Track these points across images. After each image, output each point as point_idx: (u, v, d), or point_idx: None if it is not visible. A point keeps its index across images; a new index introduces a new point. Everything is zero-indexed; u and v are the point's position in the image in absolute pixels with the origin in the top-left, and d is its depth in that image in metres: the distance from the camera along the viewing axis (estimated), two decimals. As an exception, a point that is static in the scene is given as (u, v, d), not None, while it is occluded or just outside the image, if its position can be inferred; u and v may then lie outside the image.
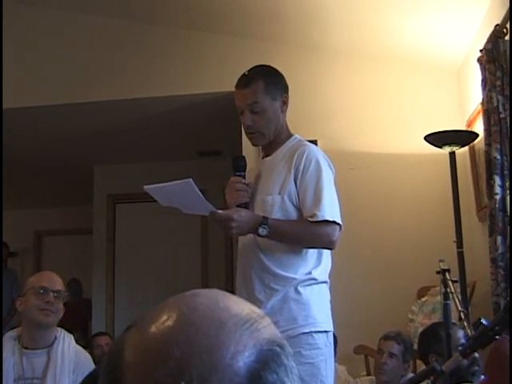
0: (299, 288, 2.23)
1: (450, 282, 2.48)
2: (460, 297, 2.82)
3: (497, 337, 1.76)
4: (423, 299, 3.87)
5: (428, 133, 3.65)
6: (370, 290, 4.20)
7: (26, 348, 2.65)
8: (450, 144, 3.63)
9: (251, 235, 2.25)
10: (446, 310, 2.48)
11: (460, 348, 1.92)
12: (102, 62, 4.81)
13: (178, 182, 2.14)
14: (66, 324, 2.86)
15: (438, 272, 2.51)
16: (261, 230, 2.18)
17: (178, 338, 0.58)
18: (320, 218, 2.19)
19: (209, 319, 0.59)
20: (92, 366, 2.71)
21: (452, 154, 3.66)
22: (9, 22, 4.64)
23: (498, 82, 3.18)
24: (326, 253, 2.31)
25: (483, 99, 3.40)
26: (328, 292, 2.32)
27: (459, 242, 3.54)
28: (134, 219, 6.54)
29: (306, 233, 2.23)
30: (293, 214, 2.28)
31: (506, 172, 3.17)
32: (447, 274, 2.49)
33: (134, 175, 6.04)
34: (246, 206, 2.30)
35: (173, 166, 5.79)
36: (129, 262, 6.44)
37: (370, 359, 3.83)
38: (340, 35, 4.36)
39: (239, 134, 3.60)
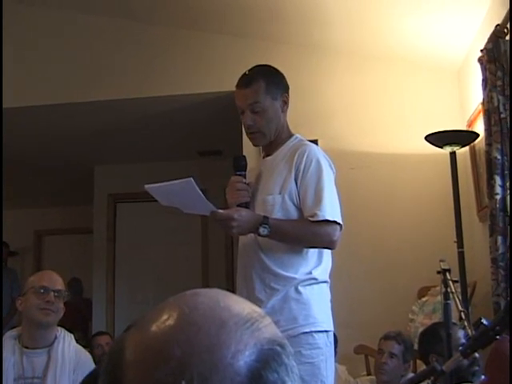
0: (300, 288, 2.23)
1: (450, 282, 2.48)
2: (460, 297, 2.81)
3: (497, 337, 1.76)
4: (424, 299, 3.87)
5: (428, 133, 3.65)
6: (370, 289, 4.20)
7: (27, 347, 2.65)
8: (450, 144, 3.63)
9: (252, 235, 2.25)
10: (446, 309, 2.48)
11: (460, 348, 1.92)
12: (102, 62, 4.81)
13: (179, 181, 2.14)
14: (66, 323, 2.86)
15: (438, 272, 2.51)
16: (261, 230, 2.18)
17: (178, 338, 0.58)
18: (320, 218, 2.19)
19: (209, 318, 0.59)
20: (92, 366, 2.71)
21: (452, 154, 3.66)
22: (9, 22, 4.64)
23: (499, 82, 3.18)
24: (327, 252, 2.31)
25: (484, 99, 3.40)
26: (328, 292, 2.32)
27: (460, 242, 3.54)
28: (134, 219, 6.54)
29: (307, 232, 2.23)
30: (293, 213, 2.28)
31: (506, 172, 3.17)
32: (448, 274, 2.49)
33: (135, 175, 6.04)
34: (246, 205, 2.30)
35: (173, 166, 5.78)
36: (129, 261, 6.44)
37: (371, 359, 3.83)
38: (340, 35, 4.36)
39: (240, 134, 3.59)
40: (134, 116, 5.19)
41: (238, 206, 2.29)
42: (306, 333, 2.19)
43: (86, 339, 5.38)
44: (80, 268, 7.17)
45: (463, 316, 2.49)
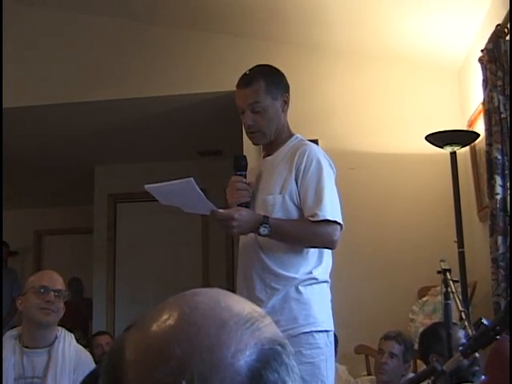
0: (300, 287, 2.23)
1: (450, 282, 2.48)
2: (461, 297, 2.81)
3: (497, 337, 1.76)
4: (424, 299, 3.87)
5: (429, 133, 3.65)
6: (370, 289, 4.20)
7: (27, 347, 2.65)
8: (450, 144, 3.63)
9: (252, 235, 2.25)
10: (446, 309, 2.48)
11: (461, 348, 1.92)
12: (102, 62, 4.81)
13: (179, 181, 2.14)
14: (66, 323, 2.86)
15: (438, 272, 2.51)
16: (262, 230, 2.18)
17: (179, 337, 0.58)
18: (321, 218, 2.19)
19: (210, 318, 0.59)
20: (92, 366, 2.70)
21: (453, 154, 3.66)
22: (9, 22, 4.64)
23: (499, 82, 3.18)
24: (327, 252, 2.31)
25: (484, 99, 3.40)
26: (329, 291, 2.32)
27: (460, 242, 3.54)
28: (134, 219, 6.54)
29: (307, 232, 2.23)
30: (294, 213, 2.28)
31: (506, 172, 3.17)
32: (448, 274, 2.49)
33: (135, 175, 6.04)
34: (246, 205, 2.30)
35: (173, 166, 5.78)
36: (129, 261, 6.44)
37: (371, 359, 3.83)
38: (341, 35, 4.36)
39: (240, 134, 3.59)
40: (134, 116, 5.19)
41: (238, 205, 2.28)
42: (307, 333, 2.19)
43: (86, 339, 5.38)
44: (80, 268, 7.17)
45: (463, 316, 2.49)
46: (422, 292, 3.95)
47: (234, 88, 2.40)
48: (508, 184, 3.14)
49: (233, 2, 4.26)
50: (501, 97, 3.16)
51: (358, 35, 4.32)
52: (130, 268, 6.43)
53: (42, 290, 2.63)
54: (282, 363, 0.59)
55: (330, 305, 2.31)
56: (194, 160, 6.14)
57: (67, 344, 2.68)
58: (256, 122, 2.33)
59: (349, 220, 2.37)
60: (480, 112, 3.68)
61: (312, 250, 2.27)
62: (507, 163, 3.16)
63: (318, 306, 2.24)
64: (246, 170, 2.38)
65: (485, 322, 1.78)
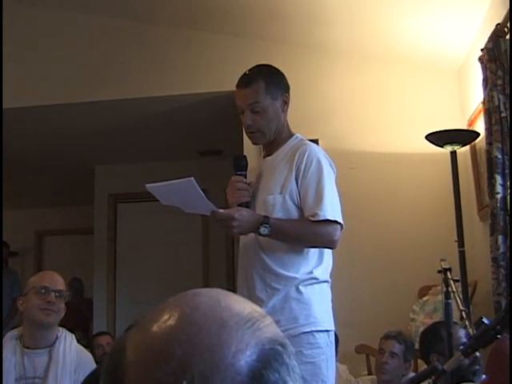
0: (300, 287, 2.23)
1: (451, 281, 2.47)
2: (461, 296, 2.81)
3: (498, 336, 1.76)
4: (424, 298, 3.87)
5: (429, 132, 3.65)
6: (371, 289, 4.20)
7: (28, 348, 2.65)
8: (451, 143, 3.63)
9: (252, 234, 2.25)
10: (447, 309, 2.48)
11: (461, 347, 1.92)
12: (102, 62, 4.81)
13: (180, 180, 2.14)
14: (67, 323, 2.86)
15: (439, 271, 2.51)
16: (262, 230, 2.18)
17: (179, 337, 0.58)
18: (321, 218, 2.19)
19: (210, 318, 0.59)
20: (93, 366, 2.71)
21: (453, 154, 3.66)
22: (9, 22, 4.64)
23: (499, 81, 3.18)
24: (328, 252, 2.31)
25: (484, 98, 3.40)
26: (329, 291, 2.32)
27: (460, 241, 3.54)
28: (134, 219, 6.54)
29: (308, 232, 2.23)
30: (294, 213, 2.28)
31: (507, 171, 3.17)
32: (448, 273, 2.48)
33: (135, 175, 6.04)
34: (247, 205, 2.30)
35: (173, 166, 5.78)
36: (130, 261, 6.44)
37: (372, 358, 3.83)
38: (341, 35, 4.36)
39: (240, 134, 3.59)
40: (134, 116, 5.19)
41: (238, 205, 2.28)
42: (307, 332, 2.19)
43: (86, 339, 5.38)
44: (81, 268, 7.17)
45: (464, 315, 2.48)
46: (423, 291, 3.95)
47: (234, 88, 2.40)
48: (508, 183, 3.14)
49: (233, 2, 4.26)
50: (501, 96, 3.16)
51: (358, 35, 4.32)
52: (130, 268, 6.43)
53: (43, 291, 2.63)
54: (282, 363, 0.59)
55: (330, 304, 2.31)
56: (194, 160, 6.14)
57: (68, 344, 2.68)
58: (255, 122, 2.33)
59: (349, 219, 2.37)
60: (480, 111, 3.68)
61: (312, 249, 2.27)
62: (507, 162, 3.16)
63: (319, 306, 2.24)
64: (246, 170, 2.38)
65: (485, 321, 1.78)
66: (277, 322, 0.64)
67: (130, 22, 4.76)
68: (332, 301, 2.32)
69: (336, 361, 2.57)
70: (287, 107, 2.40)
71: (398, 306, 3.96)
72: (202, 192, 2.15)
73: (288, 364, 0.60)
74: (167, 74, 4.71)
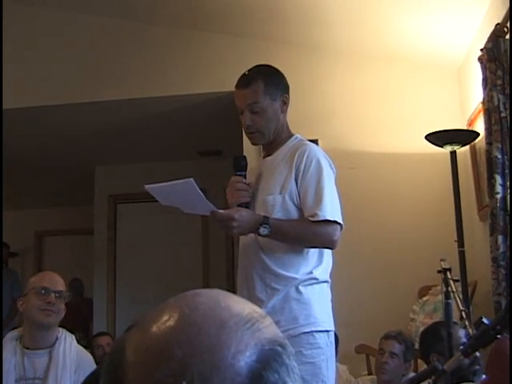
0: (300, 287, 2.23)
1: (451, 281, 2.47)
2: (461, 296, 2.81)
3: (498, 336, 1.76)
4: (424, 298, 3.87)
5: (429, 132, 3.65)
6: (370, 289, 4.20)
7: (28, 348, 2.64)
8: (450, 143, 3.63)
9: (252, 235, 2.25)
10: (447, 309, 2.48)
11: (461, 347, 1.92)
12: (102, 62, 4.81)
13: (179, 181, 2.14)
14: (67, 324, 2.86)
15: (439, 271, 2.51)
16: (262, 230, 2.18)
17: (179, 338, 0.58)
18: (321, 218, 2.19)
19: (210, 319, 0.59)
20: (93, 366, 2.71)
21: (453, 154, 3.66)
22: (9, 22, 4.64)
23: (499, 81, 3.18)
24: (327, 252, 2.31)
25: (484, 98, 3.40)
26: (329, 291, 2.32)
27: (460, 241, 3.54)
28: (134, 219, 6.54)
29: (307, 232, 2.23)
30: (294, 213, 2.28)
31: (506, 171, 3.17)
32: (448, 273, 2.48)
33: (135, 175, 6.04)
34: (246, 205, 2.30)
35: (173, 166, 5.79)
36: (130, 261, 6.44)
37: (372, 359, 3.83)
38: (341, 35, 4.36)
39: (240, 134, 3.59)
40: (134, 116, 5.19)
41: (238, 206, 2.29)
42: (307, 333, 2.19)
43: (86, 339, 5.38)
44: (81, 268, 7.17)
45: (464, 315, 2.48)
46: (423, 291, 3.95)
47: (234, 88, 2.40)
48: (508, 183, 3.14)
49: (233, 2, 4.26)
50: (500, 96, 3.16)
51: (358, 35, 4.32)
52: (130, 268, 6.43)
53: (43, 292, 2.63)
54: (282, 364, 0.59)
55: (330, 305, 2.31)
56: (194, 160, 6.14)
57: (68, 345, 2.68)
58: (255, 123, 2.33)
59: (349, 220, 2.37)
60: (480, 111, 3.68)
61: (312, 250, 2.27)
62: (507, 162, 3.16)
63: (319, 306, 2.24)
64: (245, 171, 2.38)
65: (485, 321, 1.78)
66: (277, 323, 0.64)
67: (129, 22, 4.77)
68: (332, 301, 2.32)
69: (336, 361, 2.57)
70: (286, 108, 2.40)
71: (397, 306, 3.96)
72: (201, 192, 2.15)
73: (287, 364, 0.60)
74: (167, 74, 4.71)
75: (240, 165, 2.39)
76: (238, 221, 2.17)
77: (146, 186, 2.23)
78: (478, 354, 2.03)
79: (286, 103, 2.39)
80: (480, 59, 3.40)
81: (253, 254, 2.29)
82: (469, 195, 4.00)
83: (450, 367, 1.85)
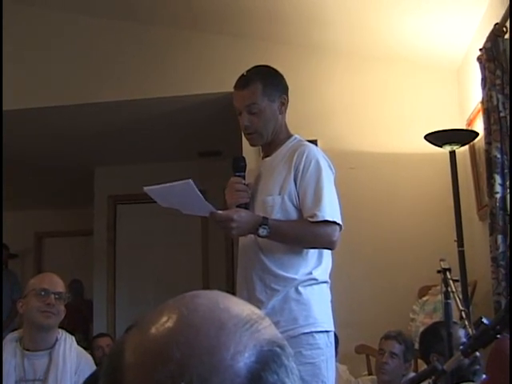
0: (300, 288, 2.23)
1: (450, 281, 2.48)
2: (461, 296, 2.81)
3: (498, 336, 1.76)
4: (424, 298, 3.87)
5: (428, 132, 3.65)
6: (370, 289, 4.20)
7: (28, 350, 2.65)
8: (450, 143, 3.63)
9: (252, 236, 2.25)
10: (446, 309, 2.48)
11: (461, 347, 1.92)
12: (102, 63, 4.81)
13: (178, 182, 2.15)
14: (67, 325, 2.86)
15: (438, 271, 2.51)
16: (261, 231, 2.17)
17: (178, 340, 0.58)
18: (320, 219, 2.19)
19: (209, 320, 0.59)
20: (93, 368, 2.71)
21: (452, 153, 3.66)
22: (9, 23, 4.64)
23: (498, 81, 3.18)
24: (327, 253, 2.31)
25: (483, 98, 3.40)
26: (329, 292, 2.32)
27: (460, 241, 3.54)
28: (134, 220, 6.54)
29: (307, 233, 2.23)
30: (293, 214, 2.27)
31: (506, 171, 3.17)
32: (448, 273, 2.49)
33: (135, 176, 6.04)
34: (245, 206, 2.30)
35: (173, 167, 5.79)
36: (129, 263, 6.44)
37: (372, 359, 3.83)
38: (340, 35, 4.36)
39: (239, 135, 3.57)
40: (134, 117, 5.19)
41: (237, 206, 2.28)
42: (307, 333, 2.19)
43: (86, 341, 5.38)
44: (80, 270, 7.17)
45: (464, 315, 2.48)
46: (423, 291, 3.95)
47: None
48: (507, 183, 3.14)
49: (232, 3, 4.26)
50: (500, 95, 3.16)
51: (358, 35, 4.32)
52: (130, 269, 6.43)
53: (43, 293, 2.63)
54: (281, 365, 0.59)
55: (329, 305, 2.30)
56: (193, 161, 6.14)
57: (68, 346, 2.68)
58: (253, 124, 2.33)
59: (348, 220, 2.37)
60: (479, 111, 3.68)
61: (311, 250, 2.27)
62: (506, 162, 3.16)
63: (318, 307, 2.24)
64: (244, 171, 2.38)
65: (485, 321, 1.78)
66: (276, 323, 0.64)
67: (129, 23, 4.77)
68: (332, 301, 2.32)
69: (336, 361, 2.57)
70: (285, 109, 2.40)
71: (397, 306, 3.96)
72: (200, 194, 2.15)
73: (287, 365, 0.60)
74: (167, 75, 4.71)
75: (239, 166, 2.39)
76: (237, 222, 2.17)
77: (145, 188, 2.23)
78: (477, 353, 2.03)
79: (284, 104, 2.39)
80: (479, 59, 3.40)
81: (252, 254, 2.29)
82: (468, 195, 4.00)
83: (450, 367, 1.85)
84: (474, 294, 3.75)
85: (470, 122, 3.98)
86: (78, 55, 4.82)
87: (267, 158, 2.42)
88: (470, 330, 2.40)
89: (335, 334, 2.37)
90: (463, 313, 2.48)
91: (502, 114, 3.16)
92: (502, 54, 3.16)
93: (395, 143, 4.40)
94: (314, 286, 2.25)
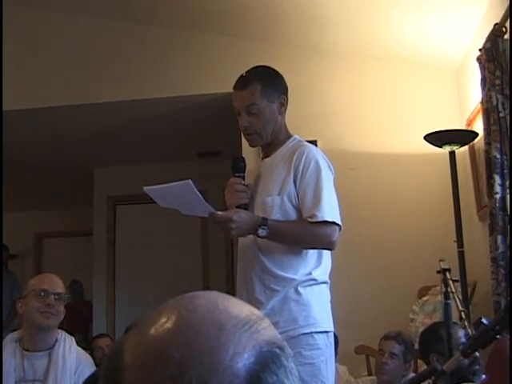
0: (299, 289, 2.23)
1: (450, 282, 2.47)
2: (461, 296, 2.82)
3: (497, 336, 1.76)
4: (424, 299, 3.87)
5: (428, 132, 3.65)
6: (370, 289, 4.20)
7: (27, 350, 2.64)
8: (449, 143, 3.63)
9: (251, 236, 2.25)
10: (446, 309, 2.48)
11: (461, 347, 1.92)
12: (102, 63, 4.81)
13: (178, 183, 2.14)
14: (66, 326, 2.86)
15: (438, 271, 2.51)
16: (260, 231, 2.17)
17: (177, 341, 0.58)
18: (319, 219, 2.19)
19: (208, 321, 0.59)
20: (93, 368, 2.71)
21: (452, 154, 3.66)
22: (9, 23, 4.64)
23: (498, 81, 3.18)
24: (326, 253, 2.31)
25: (483, 98, 3.40)
26: (328, 292, 2.32)
27: (459, 242, 3.54)
28: (134, 220, 6.54)
29: (306, 233, 2.23)
30: (292, 214, 2.27)
31: (505, 171, 3.17)
32: (448, 274, 2.48)
33: (135, 176, 6.04)
34: (245, 207, 2.30)
35: (173, 167, 5.80)
36: (129, 263, 6.44)
37: (371, 359, 3.83)
38: (339, 36, 4.36)
39: (239, 135, 3.57)
40: (133, 117, 5.20)
41: (236, 207, 2.28)
42: (306, 334, 2.18)
43: (86, 341, 5.38)
44: (80, 270, 7.17)
45: (463, 315, 2.48)
46: (422, 292, 3.95)
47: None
48: (507, 183, 3.14)
49: (232, 3, 4.26)
50: (499, 96, 3.16)
51: (357, 36, 4.33)
52: (129, 270, 6.43)
53: (43, 294, 2.63)
54: (280, 366, 0.59)
55: (329, 305, 2.30)
56: (193, 161, 6.14)
57: (68, 347, 2.68)
58: (252, 124, 2.33)
59: (348, 220, 2.37)
60: (479, 111, 3.68)
61: (311, 251, 2.26)
62: (506, 162, 3.16)
63: (318, 307, 2.24)
64: (244, 172, 2.38)
65: (485, 321, 1.78)
66: (276, 324, 0.64)
67: (129, 23, 4.77)
68: (331, 301, 2.32)
69: (336, 362, 2.58)
70: (285, 109, 2.40)
71: (397, 306, 3.96)
72: (199, 194, 2.15)
73: (286, 366, 0.60)
74: (167, 75, 4.72)
75: (238, 166, 2.38)
76: (237, 222, 2.16)
77: (145, 188, 2.23)
78: (477, 354, 2.03)
79: (284, 105, 2.38)
80: (479, 59, 3.41)
81: (252, 255, 2.29)
82: (468, 195, 4.00)
83: (450, 367, 1.85)
84: (473, 295, 3.75)
85: (470, 122, 3.98)
86: (77, 55, 4.82)
87: (267, 159, 2.41)
88: (469, 331, 2.40)
89: (335, 335, 2.37)
90: (463, 313, 2.48)
91: (501, 115, 3.16)
92: (502, 55, 3.16)
93: (395, 143, 4.40)
94: (313, 286, 2.25)
